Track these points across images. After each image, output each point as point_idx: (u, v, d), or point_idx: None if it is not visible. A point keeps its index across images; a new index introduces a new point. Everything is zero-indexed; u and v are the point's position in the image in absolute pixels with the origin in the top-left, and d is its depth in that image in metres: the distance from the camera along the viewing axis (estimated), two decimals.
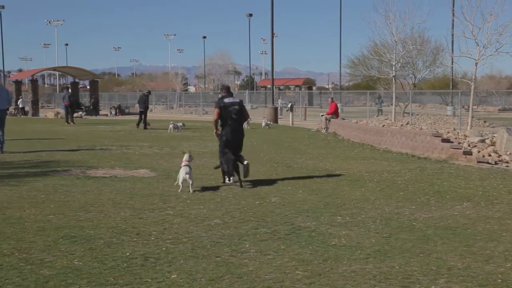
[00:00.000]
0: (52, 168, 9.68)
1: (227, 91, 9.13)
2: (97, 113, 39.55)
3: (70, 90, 29.58)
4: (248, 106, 35.77)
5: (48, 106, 66.74)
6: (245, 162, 8.57)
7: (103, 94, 52.26)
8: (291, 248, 4.76)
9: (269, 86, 40.20)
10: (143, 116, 22.00)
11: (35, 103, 38.96)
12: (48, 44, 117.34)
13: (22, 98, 40.08)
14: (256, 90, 68.54)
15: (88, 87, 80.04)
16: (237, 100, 9.00)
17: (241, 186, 8.00)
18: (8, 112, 14.91)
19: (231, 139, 8.80)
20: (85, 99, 47.75)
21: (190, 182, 7.54)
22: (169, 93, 49.95)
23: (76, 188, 7.66)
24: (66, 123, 25.63)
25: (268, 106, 31.32)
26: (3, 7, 54.29)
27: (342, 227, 5.54)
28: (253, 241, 4.97)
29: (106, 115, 40.34)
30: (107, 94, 53.29)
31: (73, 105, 27.19)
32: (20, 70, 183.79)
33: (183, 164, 7.80)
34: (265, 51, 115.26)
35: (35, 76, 42.48)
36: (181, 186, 7.58)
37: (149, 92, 24.30)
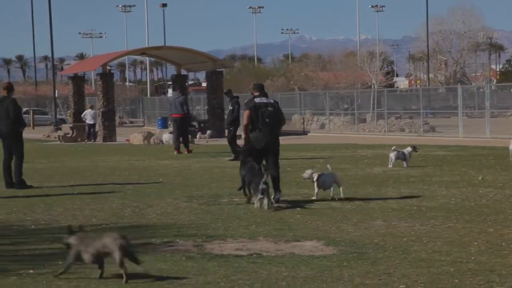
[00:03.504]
0: (142, 239, 10.36)
1: (260, 90, 14.24)
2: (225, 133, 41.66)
3: (182, 92, 31.09)
4: None
5: (131, 123, 72.51)
6: (277, 196, 13.51)
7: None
8: None
9: None
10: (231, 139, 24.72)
11: (108, 118, 42.24)
12: (130, 6, 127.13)
13: (92, 108, 43.51)
14: None
15: (203, 84, 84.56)
16: (271, 101, 14.16)
17: (268, 207, 12.83)
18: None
19: (259, 147, 13.74)
20: (198, 108, 50.46)
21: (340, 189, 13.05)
22: (357, 91, 50.80)
23: (187, 278, 8.08)
24: (176, 152, 27.88)
25: None
26: None
27: None
28: None
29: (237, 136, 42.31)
30: (241, 97, 55.65)
31: (187, 120, 29.63)
32: (81, 57, 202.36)
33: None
34: None
35: (108, 67, 46.14)
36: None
37: (229, 92, 25.62)
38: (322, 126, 48.60)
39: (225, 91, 28.95)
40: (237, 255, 9.22)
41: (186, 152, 27.91)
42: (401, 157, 20.40)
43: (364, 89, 58.06)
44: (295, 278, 7.95)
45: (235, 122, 25.11)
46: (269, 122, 13.78)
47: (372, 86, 62.11)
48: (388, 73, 74.04)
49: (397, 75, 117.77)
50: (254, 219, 12.00)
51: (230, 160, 23.79)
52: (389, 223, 11.42)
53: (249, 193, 13.59)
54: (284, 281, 7.85)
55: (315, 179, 14.12)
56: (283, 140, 34.63)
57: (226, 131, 25.70)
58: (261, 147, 13.82)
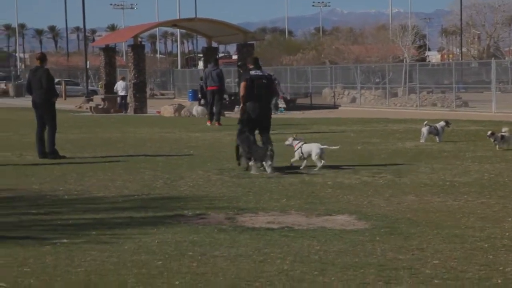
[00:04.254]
0: (174, 211, 10.44)
1: (255, 63, 15.50)
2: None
3: (217, 64, 31.32)
4: None
5: (162, 95, 72.70)
6: (269, 149, 14.12)
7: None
8: None
9: None
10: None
11: (139, 90, 42.35)
12: None
13: (124, 79, 43.71)
14: None
15: (234, 56, 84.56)
16: (266, 74, 15.51)
17: (265, 170, 14.05)
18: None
19: (254, 117, 15.03)
20: (228, 80, 50.45)
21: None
22: (389, 65, 50.49)
23: (219, 250, 8.12)
24: (208, 123, 28.74)
25: None
26: None
27: None
28: None
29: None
30: (270, 70, 55.47)
31: (223, 92, 30.02)
32: (112, 28, 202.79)
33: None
34: None
35: (139, 38, 46.21)
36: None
37: (244, 65, 25.93)
38: (353, 100, 48.43)
39: (238, 63, 29.06)
40: (269, 228, 9.25)
41: (216, 125, 28.14)
42: (434, 131, 20.27)
43: (396, 63, 57.66)
44: (327, 252, 7.96)
45: None
46: (264, 93, 15.16)
47: (404, 60, 61.65)
48: (420, 47, 73.38)
49: (429, 49, 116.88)
50: (286, 192, 12.03)
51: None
52: (422, 198, 11.40)
53: (245, 162, 14.69)
54: (316, 254, 7.86)
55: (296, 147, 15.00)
56: (314, 114, 34.53)
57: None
58: (255, 117, 15.11)
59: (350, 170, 14.65)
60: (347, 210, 10.43)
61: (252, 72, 15.33)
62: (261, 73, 15.33)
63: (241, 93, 15.28)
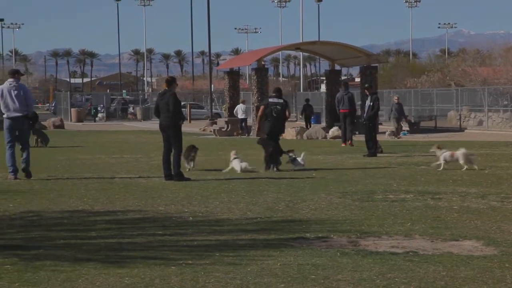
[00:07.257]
0: (296, 234, 10.45)
1: (276, 93, 20.16)
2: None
3: (347, 88, 33.50)
4: None
5: None
6: (273, 166, 19.52)
7: (383, 92, 54.50)
8: None
9: None
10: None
11: None
12: (286, 2, 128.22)
13: (244, 102, 44.31)
14: None
15: (356, 79, 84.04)
16: (281, 101, 19.79)
17: (275, 169, 19.37)
18: (34, 120, 17.83)
19: (268, 133, 19.59)
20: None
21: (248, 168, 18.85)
22: None
23: (342, 273, 8.10)
24: (343, 145, 30.48)
25: None
26: None
27: None
28: None
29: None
30: (392, 93, 54.99)
31: (355, 115, 32.37)
32: (236, 52, 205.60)
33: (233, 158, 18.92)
34: None
35: (263, 62, 46.67)
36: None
37: (370, 88, 27.72)
38: (480, 123, 47.50)
39: (366, 85, 30.95)
40: (393, 252, 9.16)
41: (348, 145, 30.03)
42: None
43: None
44: (454, 278, 7.83)
45: (374, 117, 25.71)
46: (276, 116, 19.55)
47: None
48: None
49: None
50: (410, 216, 11.89)
51: (365, 155, 24.31)
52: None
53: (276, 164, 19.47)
54: (442, 280, 7.75)
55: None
56: (438, 137, 34.10)
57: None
58: (268, 132, 19.70)
59: (477, 194, 14.39)
60: (474, 235, 10.23)
61: (270, 99, 20.04)
62: (276, 100, 19.74)
63: (258, 114, 20.20)
